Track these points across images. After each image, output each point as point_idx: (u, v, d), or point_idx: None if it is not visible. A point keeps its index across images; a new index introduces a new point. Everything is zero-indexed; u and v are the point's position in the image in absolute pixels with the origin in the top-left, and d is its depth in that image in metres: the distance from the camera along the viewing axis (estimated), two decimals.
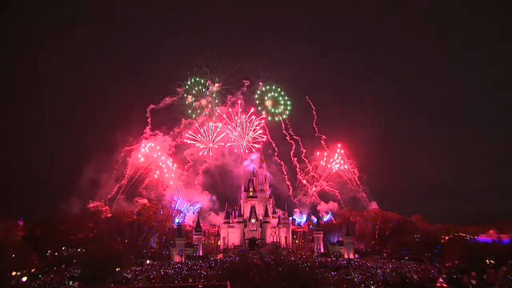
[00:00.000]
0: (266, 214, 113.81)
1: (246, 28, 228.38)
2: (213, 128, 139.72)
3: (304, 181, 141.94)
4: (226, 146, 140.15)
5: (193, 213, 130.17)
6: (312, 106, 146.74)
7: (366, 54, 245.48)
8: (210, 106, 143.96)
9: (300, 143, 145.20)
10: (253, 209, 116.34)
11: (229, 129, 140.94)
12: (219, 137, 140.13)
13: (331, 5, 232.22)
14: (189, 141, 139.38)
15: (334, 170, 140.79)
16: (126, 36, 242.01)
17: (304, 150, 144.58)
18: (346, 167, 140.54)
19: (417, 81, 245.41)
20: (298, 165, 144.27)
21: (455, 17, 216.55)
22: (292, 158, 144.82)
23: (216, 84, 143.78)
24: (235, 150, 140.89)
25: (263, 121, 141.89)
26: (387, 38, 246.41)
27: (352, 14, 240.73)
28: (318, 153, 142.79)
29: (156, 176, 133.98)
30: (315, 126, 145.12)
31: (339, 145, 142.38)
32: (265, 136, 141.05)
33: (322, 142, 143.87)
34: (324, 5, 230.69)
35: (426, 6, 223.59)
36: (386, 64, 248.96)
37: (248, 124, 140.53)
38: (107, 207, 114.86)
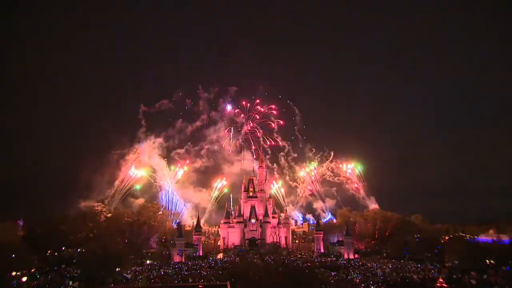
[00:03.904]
0: (266, 214, 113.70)
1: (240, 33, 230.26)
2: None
3: (295, 184, 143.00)
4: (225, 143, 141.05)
5: (191, 209, 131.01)
6: (297, 112, 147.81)
7: (362, 55, 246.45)
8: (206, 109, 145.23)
9: (290, 147, 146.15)
10: (253, 209, 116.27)
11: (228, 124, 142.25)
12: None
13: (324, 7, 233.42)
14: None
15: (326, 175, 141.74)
16: (125, 38, 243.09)
17: (295, 155, 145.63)
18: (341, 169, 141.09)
19: (416, 81, 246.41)
20: (289, 167, 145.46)
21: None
22: (284, 160, 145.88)
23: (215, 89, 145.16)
24: (237, 147, 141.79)
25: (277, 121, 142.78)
26: (385, 38, 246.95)
27: (346, 13, 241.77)
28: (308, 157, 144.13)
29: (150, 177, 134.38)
30: (297, 134, 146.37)
31: (332, 152, 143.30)
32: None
33: (308, 149, 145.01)
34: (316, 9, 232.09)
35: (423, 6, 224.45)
36: (384, 64, 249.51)
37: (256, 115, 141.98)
38: (106, 207, 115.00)
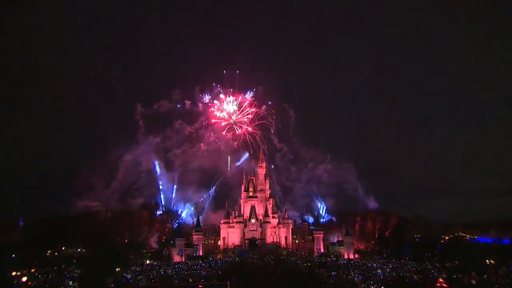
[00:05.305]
0: (266, 214, 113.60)
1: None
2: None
3: (291, 184, 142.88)
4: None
5: (190, 211, 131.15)
6: (292, 114, 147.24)
7: (361, 55, 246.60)
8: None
9: (287, 149, 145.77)
10: (253, 209, 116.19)
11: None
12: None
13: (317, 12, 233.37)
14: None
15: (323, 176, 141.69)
16: (124, 38, 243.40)
17: (292, 157, 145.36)
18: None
19: (416, 82, 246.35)
20: (284, 168, 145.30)
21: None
22: (280, 162, 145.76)
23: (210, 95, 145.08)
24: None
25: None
26: (385, 38, 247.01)
27: (347, 12, 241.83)
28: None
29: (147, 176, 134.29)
30: (292, 136, 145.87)
31: (328, 156, 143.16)
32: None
33: (305, 151, 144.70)
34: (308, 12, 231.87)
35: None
36: (384, 65, 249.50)
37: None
38: (105, 207, 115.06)
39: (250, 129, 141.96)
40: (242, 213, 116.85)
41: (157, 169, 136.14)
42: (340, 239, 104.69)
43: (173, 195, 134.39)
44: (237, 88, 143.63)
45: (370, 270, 67.63)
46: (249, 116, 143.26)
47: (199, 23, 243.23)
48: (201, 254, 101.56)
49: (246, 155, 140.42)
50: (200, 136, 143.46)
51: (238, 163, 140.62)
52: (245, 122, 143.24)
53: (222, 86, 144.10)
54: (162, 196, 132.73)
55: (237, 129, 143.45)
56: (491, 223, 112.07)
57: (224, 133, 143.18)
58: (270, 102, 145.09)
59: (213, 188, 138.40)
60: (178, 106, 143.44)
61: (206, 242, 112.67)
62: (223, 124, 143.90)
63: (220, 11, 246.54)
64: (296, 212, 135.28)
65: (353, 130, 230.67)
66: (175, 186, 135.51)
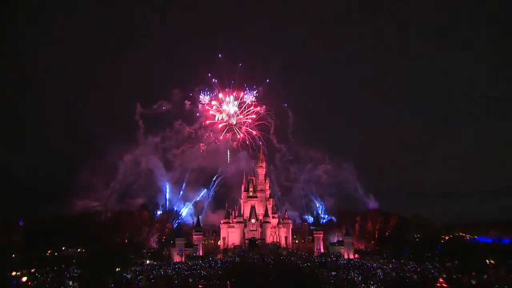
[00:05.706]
0: (266, 214, 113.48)
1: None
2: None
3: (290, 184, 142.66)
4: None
5: (190, 209, 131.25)
6: (290, 115, 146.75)
7: (362, 55, 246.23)
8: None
9: (286, 149, 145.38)
10: (253, 209, 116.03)
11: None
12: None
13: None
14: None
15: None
16: (124, 38, 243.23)
17: (291, 157, 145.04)
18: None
19: (416, 82, 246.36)
20: (284, 168, 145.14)
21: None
22: (279, 162, 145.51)
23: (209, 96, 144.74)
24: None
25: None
26: (384, 38, 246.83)
27: (346, 12, 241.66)
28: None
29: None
30: (291, 137, 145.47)
31: (327, 156, 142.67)
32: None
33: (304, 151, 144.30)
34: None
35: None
36: (384, 64, 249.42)
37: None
38: (105, 207, 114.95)
39: (254, 132, 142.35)
40: (242, 213, 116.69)
41: (157, 169, 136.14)
42: (340, 239, 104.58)
43: (181, 193, 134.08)
44: (237, 85, 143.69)
45: (370, 270, 67.68)
46: (253, 116, 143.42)
47: (199, 23, 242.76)
48: (201, 254, 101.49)
49: (246, 155, 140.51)
50: (199, 136, 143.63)
51: (238, 163, 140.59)
52: (246, 123, 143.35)
53: (220, 83, 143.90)
54: (162, 196, 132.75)
55: (238, 132, 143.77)
56: (491, 223, 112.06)
57: (221, 137, 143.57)
58: (286, 105, 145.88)
59: (212, 188, 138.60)
60: (163, 108, 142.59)
61: (206, 242, 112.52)
62: (220, 126, 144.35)
63: (220, 11, 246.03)
64: (295, 212, 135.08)
65: (353, 130, 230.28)
66: (184, 185, 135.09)
